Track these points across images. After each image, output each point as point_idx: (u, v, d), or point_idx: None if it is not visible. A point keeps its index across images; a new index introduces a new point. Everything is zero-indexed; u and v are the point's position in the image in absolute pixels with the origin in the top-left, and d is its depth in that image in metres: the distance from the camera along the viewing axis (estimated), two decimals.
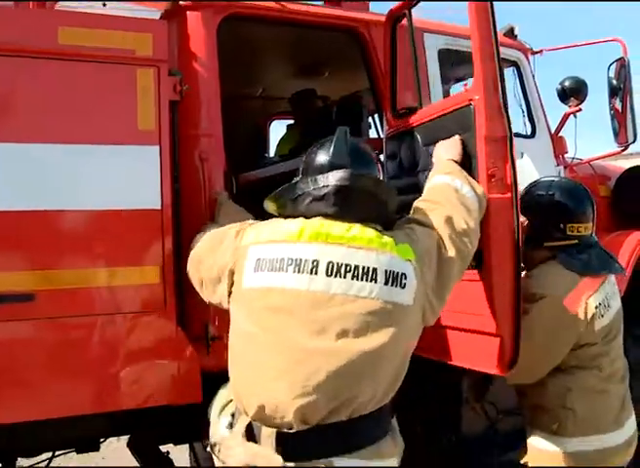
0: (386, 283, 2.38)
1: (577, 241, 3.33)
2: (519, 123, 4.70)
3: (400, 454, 2.53)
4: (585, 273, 3.26)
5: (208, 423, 2.78)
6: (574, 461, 3.19)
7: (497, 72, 3.10)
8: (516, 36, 4.66)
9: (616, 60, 4.47)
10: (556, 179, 3.59)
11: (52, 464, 3.96)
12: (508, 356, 3.06)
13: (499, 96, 3.09)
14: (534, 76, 4.67)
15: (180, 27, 3.63)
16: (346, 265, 2.38)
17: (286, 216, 2.59)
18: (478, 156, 3.10)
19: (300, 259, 2.40)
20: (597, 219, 3.51)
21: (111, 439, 4.36)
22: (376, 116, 4.27)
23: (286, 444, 2.32)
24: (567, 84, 4.67)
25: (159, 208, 3.31)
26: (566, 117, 4.68)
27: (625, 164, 5.54)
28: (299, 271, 2.39)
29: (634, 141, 4.46)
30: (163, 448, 4.32)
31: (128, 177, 3.28)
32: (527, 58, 4.69)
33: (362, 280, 2.37)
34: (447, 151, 3.16)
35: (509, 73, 4.72)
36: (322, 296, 2.36)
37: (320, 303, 2.35)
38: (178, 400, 3.34)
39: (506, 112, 3.08)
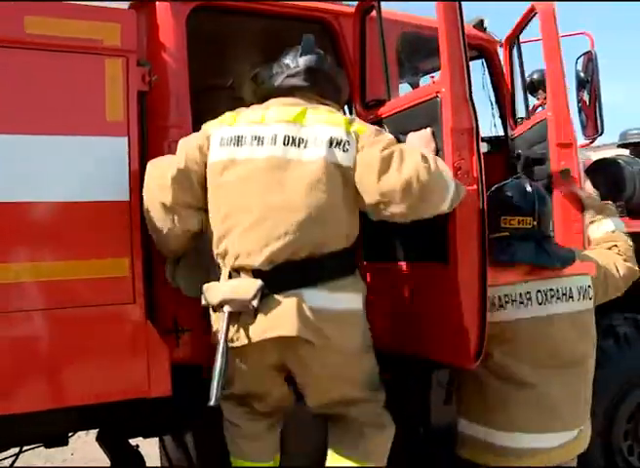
0: (330, 146, 2.94)
1: (507, 233, 3.40)
2: (488, 114, 4.73)
3: (363, 296, 3.13)
4: (499, 263, 3.34)
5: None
6: (462, 440, 3.54)
7: (463, 64, 3.13)
8: (485, 28, 4.68)
9: (583, 54, 4.51)
10: (514, 179, 3.64)
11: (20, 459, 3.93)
12: (474, 349, 3.09)
13: (465, 87, 3.12)
14: (502, 68, 4.69)
15: (149, 17, 3.59)
16: (300, 138, 2.97)
17: (259, 99, 3.30)
18: (444, 148, 3.13)
19: (262, 136, 3.02)
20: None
21: (80, 433, 4.34)
22: (346, 107, 4.27)
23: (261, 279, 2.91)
24: (535, 76, 4.75)
25: (127, 199, 3.28)
26: (534, 109, 4.72)
27: (593, 156, 5.59)
28: (261, 144, 3.00)
29: (601, 134, 4.51)
30: (133, 442, 4.30)
31: (96, 169, 3.25)
32: (496, 50, 4.71)
33: (310, 147, 2.95)
34: (420, 143, 3.18)
35: (478, 65, 4.75)
36: (280, 162, 2.95)
37: (279, 167, 2.94)
38: (147, 393, 3.31)
39: (472, 104, 3.11)
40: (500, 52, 4.70)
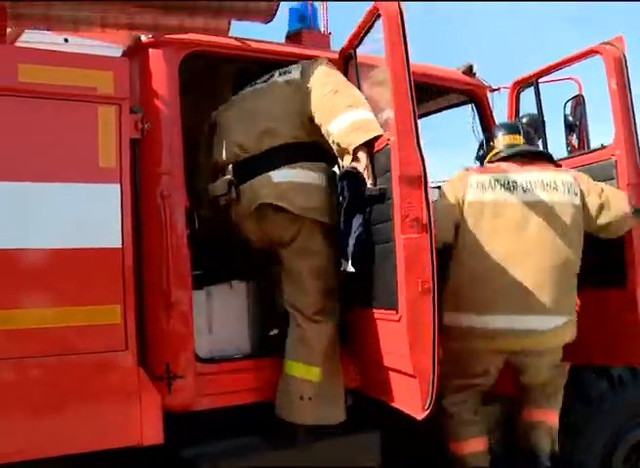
0: None
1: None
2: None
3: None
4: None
5: None
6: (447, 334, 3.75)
7: (411, 113, 3.20)
8: (474, 74, 4.73)
9: (572, 98, 4.57)
10: None
11: None
12: (425, 398, 3.14)
13: (413, 136, 3.18)
14: (492, 113, 4.74)
15: (142, 65, 3.62)
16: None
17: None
18: (393, 196, 3.17)
19: None
20: None
21: None
22: None
23: (239, 170, 3.70)
24: (524, 120, 4.75)
25: (120, 246, 3.28)
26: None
27: None
28: None
29: None
30: None
31: (88, 216, 3.26)
32: (485, 95, 4.76)
33: None
34: None
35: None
36: None
37: None
38: (139, 441, 3.27)
39: (421, 152, 3.16)
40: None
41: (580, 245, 3.91)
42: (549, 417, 4.12)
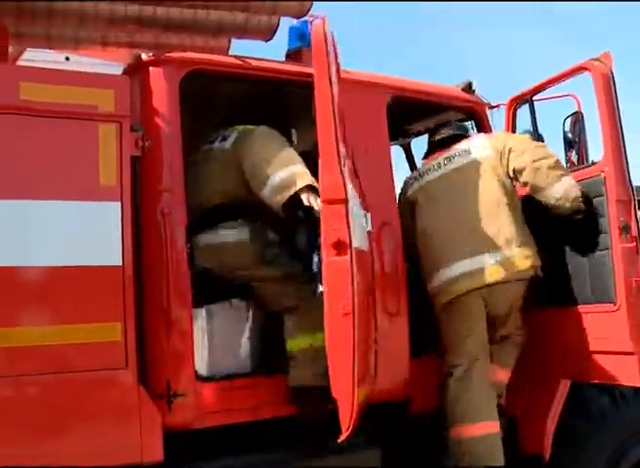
0: None
1: None
2: None
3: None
4: None
5: None
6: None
7: (333, 137, 3.25)
8: (474, 91, 4.75)
9: (571, 115, 4.57)
10: None
11: None
12: None
13: (335, 159, 3.23)
14: (491, 129, 4.75)
15: (143, 82, 3.63)
16: None
17: None
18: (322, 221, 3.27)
19: None
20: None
21: None
22: None
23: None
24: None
25: (120, 264, 3.28)
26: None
27: None
28: None
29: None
30: None
31: (88, 233, 3.27)
32: (484, 112, 4.77)
33: None
34: None
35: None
36: None
37: None
38: (140, 459, 3.26)
39: (342, 174, 3.21)
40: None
41: (501, 186, 4.26)
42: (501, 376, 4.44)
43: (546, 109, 4.71)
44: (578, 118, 4.55)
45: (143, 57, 3.75)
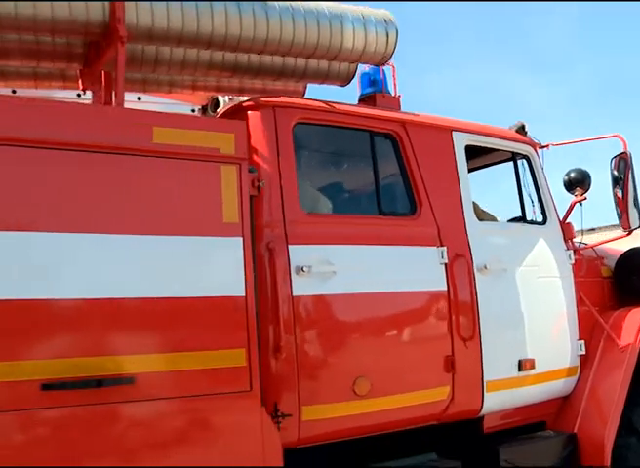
0: None
1: None
2: (530, 211, 5.12)
3: None
4: None
5: None
6: None
7: None
8: (526, 132, 5.11)
9: (617, 155, 4.96)
10: None
11: None
12: None
13: None
14: (542, 168, 5.11)
15: (254, 126, 3.92)
16: None
17: None
18: None
19: None
20: (599, 297, 4.67)
21: None
22: None
23: None
24: (572, 175, 5.14)
25: (243, 295, 3.56)
26: (572, 205, 5.12)
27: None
28: None
29: (638, 227, 4.93)
30: None
31: (215, 267, 3.54)
32: (536, 152, 5.14)
33: None
34: None
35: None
36: None
37: None
38: None
39: None
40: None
41: None
42: None
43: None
44: (624, 157, 4.94)
45: (242, 100, 4.06)
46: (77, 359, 3.18)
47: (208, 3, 3.80)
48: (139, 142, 3.43)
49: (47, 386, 3.09)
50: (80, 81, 4.21)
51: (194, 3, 3.77)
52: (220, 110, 4.92)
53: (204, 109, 5.15)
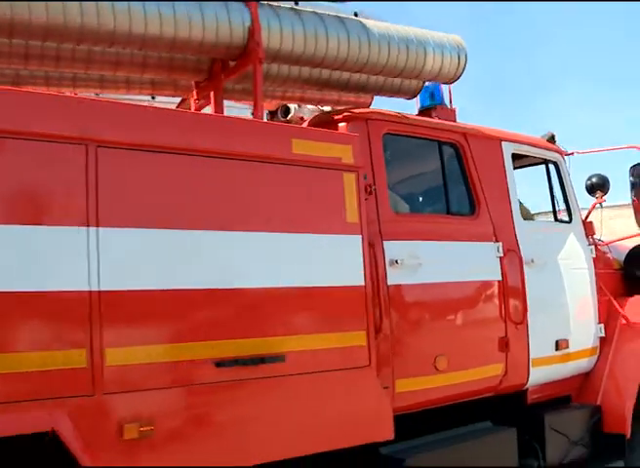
0: None
1: None
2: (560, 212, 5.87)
3: None
4: None
5: None
6: None
7: None
8: (555, 141, 5.84)
9: (636, 164, 5.74)
10: None
11: None
12: None
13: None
14: (569, 173, 5.85)
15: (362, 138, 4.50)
16: None
17: None
18: None
19: None
20: (612, 287, 5.46)
21: None
22: None
23: None
24: (594, 180, 5.91)
25: (363, 284, 4.16)
26: (593, 206, 5.89)
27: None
28: None
29: None
30: None
31: (340, 260, 4.12)
32: (563, 158, 5.87)
33: None
34: None
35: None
36: None
37: None
38: (378, 437, 4.13)
39: None
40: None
41: None
42: None
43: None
44: None
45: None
46: (243, 340, 3.74)
47: (324, 30, 4.37)
48: (281, 153, 3.97)
49: (219, 363, 3.64)
50: (195, 91, 4.71)
51: (314, 29, 4.33)
52: (292, 117, 5.51)
53: (272, 114, 5.69)
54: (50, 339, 3.21)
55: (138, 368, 3.40)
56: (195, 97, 4.77)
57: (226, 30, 4.07)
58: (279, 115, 5.63)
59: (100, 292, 3.33)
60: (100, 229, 3.36)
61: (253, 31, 4.12)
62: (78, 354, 3.26)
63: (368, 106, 5.48)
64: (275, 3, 4.30)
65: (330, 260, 4.09)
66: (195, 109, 5.06)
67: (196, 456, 3.50)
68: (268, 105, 5.46)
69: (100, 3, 3.85)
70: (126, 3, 3.86)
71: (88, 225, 3.33)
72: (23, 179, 3.24)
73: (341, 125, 4.64)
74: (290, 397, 3.86)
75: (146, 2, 3.88)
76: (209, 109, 5.10)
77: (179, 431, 3.50)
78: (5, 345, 3.09)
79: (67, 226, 3.30)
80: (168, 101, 5.68)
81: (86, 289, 3.30)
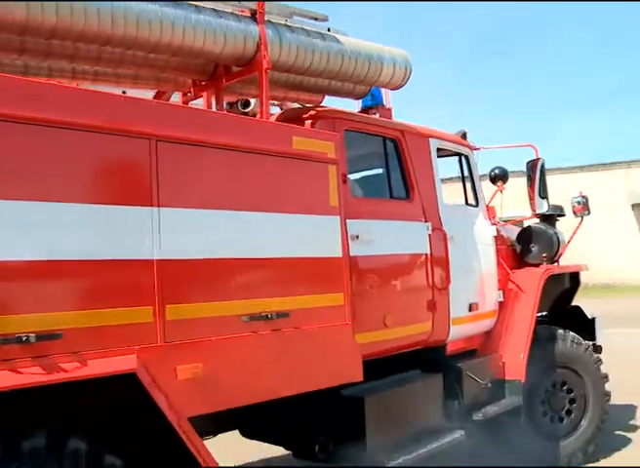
0: None
1: None
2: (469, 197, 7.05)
3: None
4: None
5: None
6: None
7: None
8: (466, 138, 7.00)
9: (532, 160, 7.00)
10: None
11: None
12: None
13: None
14: (477, 165, 7.04)
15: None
16: None
17: None
18: None
19: None
20: (507, 260, 6.64)
21: None
22: None
23: None
24: (496, 171, 7.13)
25: (341, 256, 5.13)
26: (494, 194, 7.14)
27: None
28: None
29: (543, 211, 7.02)
30: None
31: (325, 236, 5.07)
32: (473, 153, 7.05)
33: None
34: None
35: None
36: None
37: None
38: (352, 378, 5.15)
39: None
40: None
41: None
42: None
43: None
44: (535, 163, 6.99)
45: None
46: (260, 300, 4.63)
47: (312, 44, 5.28)
48: (282, 147, 4.85)
49: (251, 317, 4.53)
50: (193, 89, 5.49)
51: (304, 43, 5.23)
52: (251, 110, 6.33)
53: (231, 105, 6.47)
54: (129, 299, 3.98)
55: (188, 322, 4.23)
56: (192, 93, 5.54)
57: (240, 42, 4.88)
58: (238, 106, 6.40)
59: (161, 260, 4.12)
60: (162, 209, 4.15)
61: (261, 44, 4.96)
62: (147, 310, 4.06)
63: (319, 104, 6.40)
64: (274, 19, 5.15)
65: (319, 236, 5.03)
66: (183, 103, 5.83)
67: (231, 392, 4.39)
68: (229, 97, 6.24)
69: (126, 15, 4.54)
70: (158, 19, 4.57)
71: (151, 205, 4.11)
72: (106, 168, 3.98)
73: (309, 122, 5.55)
74: (292, 346, 4.78)
75: (175, 19, 4.61)
76: (199, 103, 5.87)
77: (218, 370, 4.35)
78: (93, 303, 3.84)
79: (136, 206, 4.06)
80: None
81: (151, 257, 4.09)
